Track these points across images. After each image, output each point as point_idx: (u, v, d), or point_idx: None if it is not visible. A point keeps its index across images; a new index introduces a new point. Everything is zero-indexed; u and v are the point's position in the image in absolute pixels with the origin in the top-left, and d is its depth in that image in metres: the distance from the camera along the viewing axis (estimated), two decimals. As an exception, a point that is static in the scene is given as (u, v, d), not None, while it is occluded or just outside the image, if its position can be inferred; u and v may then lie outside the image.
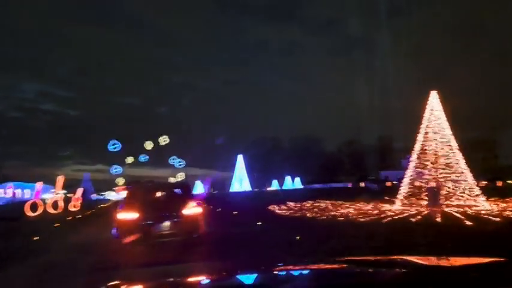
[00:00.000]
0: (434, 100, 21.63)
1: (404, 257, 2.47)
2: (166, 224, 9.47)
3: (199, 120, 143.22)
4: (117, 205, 12.48)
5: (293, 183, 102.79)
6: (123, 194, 12.69)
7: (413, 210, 18.41)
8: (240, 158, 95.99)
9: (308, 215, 18.00)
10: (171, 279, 2.31)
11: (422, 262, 2.33)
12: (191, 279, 2.31)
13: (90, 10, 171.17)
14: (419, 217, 15.42)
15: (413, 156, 21.88)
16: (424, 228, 12.39)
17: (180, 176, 73.51)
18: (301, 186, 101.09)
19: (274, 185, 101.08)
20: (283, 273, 2.29)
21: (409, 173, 21.96)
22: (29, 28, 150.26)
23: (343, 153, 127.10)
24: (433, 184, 18.74)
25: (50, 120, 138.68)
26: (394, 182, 67.02)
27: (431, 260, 2.44)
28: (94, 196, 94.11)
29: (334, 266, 2.37)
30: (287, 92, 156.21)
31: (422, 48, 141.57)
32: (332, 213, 18.65)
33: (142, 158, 73.20)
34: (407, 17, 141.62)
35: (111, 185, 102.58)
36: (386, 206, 21.42)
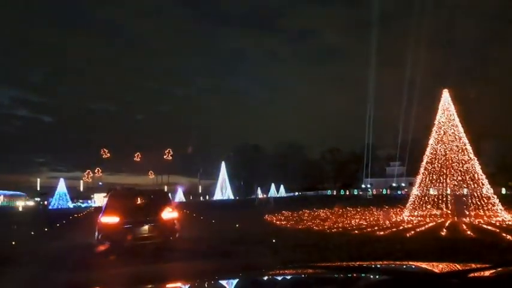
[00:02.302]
0: (446, 100, 19.82)
1: (390, 262, 2.83)
2: (145, 227, 10.14)
3: (178, 127, 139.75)
4: (95, 214, 12.45)
5: (278, 191, 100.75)
6: (103, 201, 12.90)
7: (431, 221, 16.45)
8: (222, 166, 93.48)
9: (315, 227, 15.77)
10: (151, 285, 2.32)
11: (404, 268, 2.35)
12: (173, 283, 2.33)
13: (67, 16, 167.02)
14: (445, 229, 13.40)
15: (424, 162, 19.96)
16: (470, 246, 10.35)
17: (160, 183, 70.66)
18: (285, 194, 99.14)
19: (259, 193, 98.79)
20: (268, 278, 2.27)
21: (418, 180, 20.04)
22: (1, 33, 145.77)
23: (326, 160, 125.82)
24: (459, 192, 16.81)
25: (24, 126, 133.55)
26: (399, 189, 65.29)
27: (414, 266, 2.43)
28: (70, 204, 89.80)
29: (317, 271, 2.32)
30: (266, 100, 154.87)
31: (402, 58, 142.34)
32: (340, 224, 16.51)
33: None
34: (385, 27, 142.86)
35: (88, 192, 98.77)
36: (395, 216, 19.44)
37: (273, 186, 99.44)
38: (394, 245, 10.65)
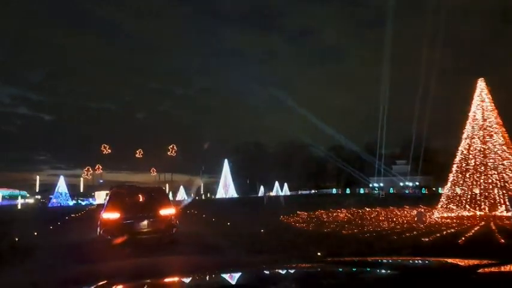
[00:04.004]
0: (482, 90, 17.96)
1: (395, 258, 2.78)
2: (144, 222, 10.61)
3: (179, 126, 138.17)
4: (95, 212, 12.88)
5: (282, 189, 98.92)
6: (104, 199, 13.61)
7: (473, 224, 14.61)
8: (226, 163, 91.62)
9: (343, 231, 13.93)
10: (158, 278, 2.28)
11: (411, 264, 2.37)
12: (179, 277, 2.25)
13: (67, 16, 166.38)
14: (498, 234, 11.56)
15: (457, 158, 18.11)
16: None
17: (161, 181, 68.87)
18: (289, 193, 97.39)
19: (268, 192, 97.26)
20: (273, 272, 2.23)
21: (451, 178, 18.20)
22: (2, 32, 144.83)
23: (328, 159, 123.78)
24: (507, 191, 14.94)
25: (25, 125, 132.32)
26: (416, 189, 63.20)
27: (420, 262, 2.45)
28: (70, 201, 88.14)
29: (323, 265, 2.32)
30: (267, 99, 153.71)
31: (403, 56, 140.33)
32: (369, 227, 14.69)
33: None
34: (385, 26, 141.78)
35: (89, 190, 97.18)
36: (430, 216, 17.65)
37: (276, 184, 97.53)
38: (453, 255, 8.83)
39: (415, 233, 12.70)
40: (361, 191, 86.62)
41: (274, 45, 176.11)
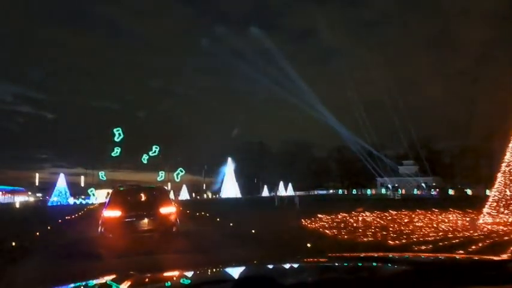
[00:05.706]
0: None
1: (401, 254, 2.60)
2: (145, 221, 11.04)
3: (180, 125, 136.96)
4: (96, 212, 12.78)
5: (286, 189, 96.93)
6: (106, 198, 13.23)
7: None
8: (229, 162, 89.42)
9: (388, 240, 11.79)
10: (166, 272, 2.37)
11: (417, 259, 2.34)
12: (187, 272, 2.21)
13: (68, 15, 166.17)
14: None
15: (507, 155, 15.97)
16: None
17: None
18: (293, 193, 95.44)
19: (265, 191, 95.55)
20: (277, 267, 2.17)
21: (499, 178, 16.05)
22: (4, 31, 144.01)
23: (332, 159, 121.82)
24: None
25: (27, 123, 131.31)
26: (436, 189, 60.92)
27: (425, 258, 2.47)
28: (71, 200, 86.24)
29: (327, 261, 2.25)
30: (268, 99, 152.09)
31: (399, 59, 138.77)
32: (416, 236, 12.54)
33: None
34: (383, 29, 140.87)
35: (90, 189, 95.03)
36: (474, 222, 15.56)
37: (281, 184, 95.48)
38: None
39: (479, 244, 10.53)
40: (368, 192, 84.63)
41: (274, 45, 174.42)
